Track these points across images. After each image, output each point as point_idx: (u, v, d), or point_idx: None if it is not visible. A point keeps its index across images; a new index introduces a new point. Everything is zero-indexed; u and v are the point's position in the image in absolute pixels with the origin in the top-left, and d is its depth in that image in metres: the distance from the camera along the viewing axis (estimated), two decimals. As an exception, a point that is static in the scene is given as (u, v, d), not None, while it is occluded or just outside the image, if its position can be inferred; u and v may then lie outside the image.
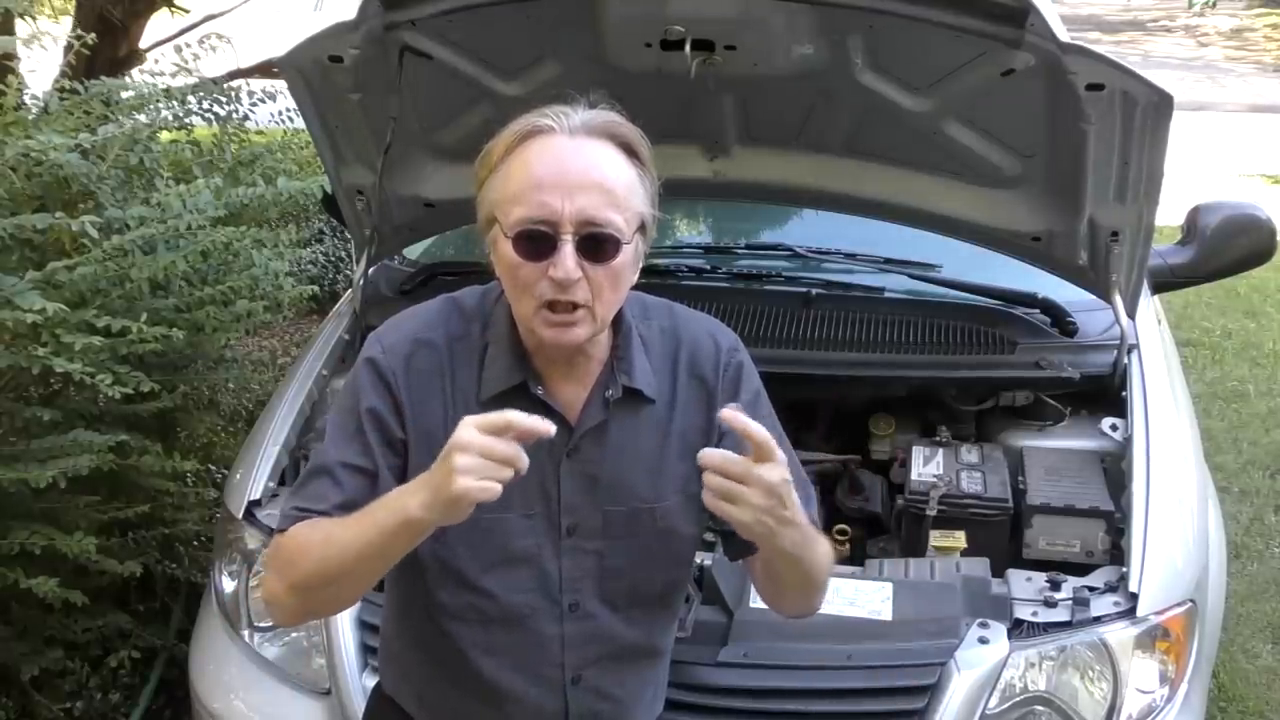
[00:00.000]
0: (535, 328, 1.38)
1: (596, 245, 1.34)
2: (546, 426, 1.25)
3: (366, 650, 1.97)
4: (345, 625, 1.99)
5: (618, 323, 1.47)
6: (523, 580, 1.49)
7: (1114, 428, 2.35)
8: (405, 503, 1.29)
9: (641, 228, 1.40)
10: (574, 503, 1.48)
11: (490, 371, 1.45)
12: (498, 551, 1.48)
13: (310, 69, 2.25)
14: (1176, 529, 2.08)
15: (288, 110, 3.33)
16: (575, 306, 1.36)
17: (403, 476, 1.46)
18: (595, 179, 1.34)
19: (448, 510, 1.26)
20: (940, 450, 2.40)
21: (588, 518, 1.48)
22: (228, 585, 2.22)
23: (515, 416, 1.24)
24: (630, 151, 1.39)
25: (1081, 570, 2.08)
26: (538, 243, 1.33)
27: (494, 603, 1.50)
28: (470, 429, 1.23)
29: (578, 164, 1.34)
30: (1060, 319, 2.57)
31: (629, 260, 1.38)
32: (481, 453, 1.22)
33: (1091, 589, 1.97)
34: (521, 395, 1.44)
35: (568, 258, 1.32)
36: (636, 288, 1.49)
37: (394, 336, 1.48)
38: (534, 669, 1.53)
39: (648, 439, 1.49)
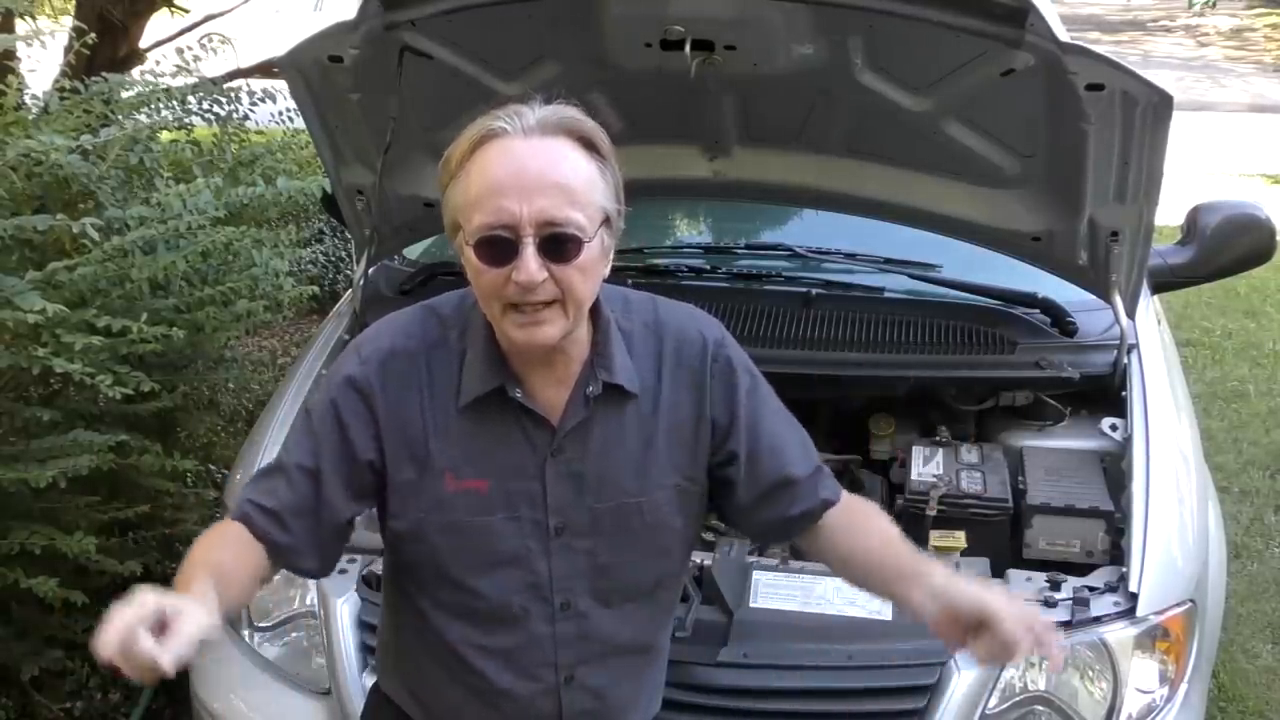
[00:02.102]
0: (506, 330, 1.38)
1: (559, 245, 1.32)
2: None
3: (366, 650, 1.97)
4: (345, 625, 2.00)
5: (596, 319, 1.46)
6: (513, 581, 1.49)
7: (1114, 428, 2.35)
8: None
9: (606, 221, 1.38)
10: (561, 503, 1.47)
11: (468, 376, 1.45)
12: (485, 554, 1.48)
13: (310, 69, 2.25)
14: (1176, 529, 2.08)
15: (288, 110, 3.33)
16: (544, 304, 1.35)
17: (379, 492, 1.48)
18: (552, 179, 1.32)
19: None
20: (940, 450, 2.40)
21: (575, 516, 1.48)
22: (228, 585, 2.22)
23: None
24: (589, 146, 1.37)
25: (1081, 570, 2.08)
26: (499, 248, 1.32)
27: (485, 602, 1.50)
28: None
29: (534, 165, 1.32)
30: (1060, 319, 2.57)
31: (595, 256, 1.37)
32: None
33: (1091, 589, 1.97)
34: (500, 399, 1.44)
35: (530, 260, 1.31)
36: (636, 287, 1.48)
37: (371, 348, 1.48)
38: (527, 668, 1.53)
39: (633, 434, 1.49)
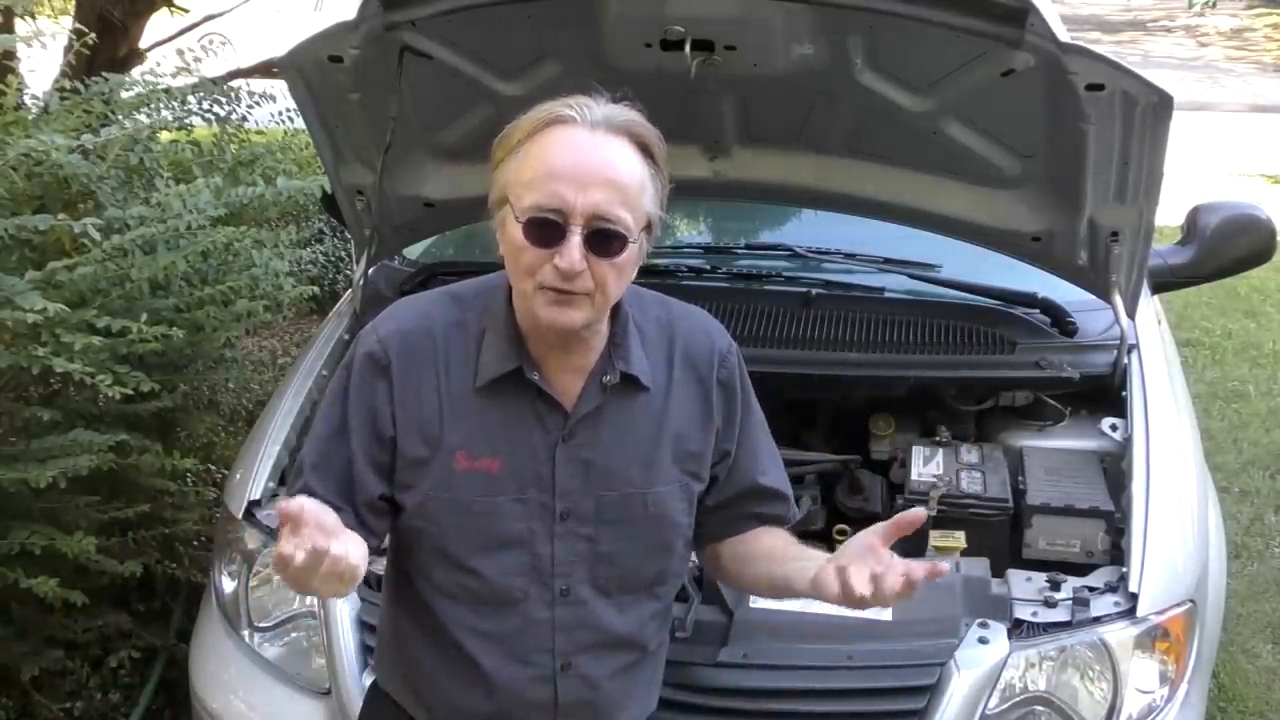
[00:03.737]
0: (535, 307, 1.41)
1: (604, 240, 1.37)
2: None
3: (366, 650, 1.97)
4: (345, 625, 1.99)
5: (615, 312, 1.50)
6: (514, 563, 1.51)
7: (1114, 428, 2.35)
8: None
9: (648, 227, 1.44)
10: (568, 487, 1.50)
11: (486, 357, 1.48)
12: (489, 534, 1.50)
13: (310, 69, 2.25)
14: (1176, 529, 2.08)
15: (288, 110, 3.33)
16: (577, 292, 1.39)
17: (390, 471, 1.49)
18: (609, 176, 1.37)
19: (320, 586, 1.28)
20: (940, 450, 2.40)
21: (581, 502, 1.51)
22: (228, 585, 2.22)
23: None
24: (646, 152, 1.42)
25: (1081, 570, 2.08)
26: (547, 231, 1.36)
27: (485, 584, 1.52)
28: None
29: (594, 158, 1.37)
30: (1060, 319, 2.57)
31: (633, 256, 1.42)
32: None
33: (1091, 589, 1.97)
34: (517, 381, 1.47)
35: (574, 249, 1.36)
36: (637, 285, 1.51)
37: (389, 326, 1.52)
38: (524, 654, 1.54)
39: (642, 426, 1.53)
